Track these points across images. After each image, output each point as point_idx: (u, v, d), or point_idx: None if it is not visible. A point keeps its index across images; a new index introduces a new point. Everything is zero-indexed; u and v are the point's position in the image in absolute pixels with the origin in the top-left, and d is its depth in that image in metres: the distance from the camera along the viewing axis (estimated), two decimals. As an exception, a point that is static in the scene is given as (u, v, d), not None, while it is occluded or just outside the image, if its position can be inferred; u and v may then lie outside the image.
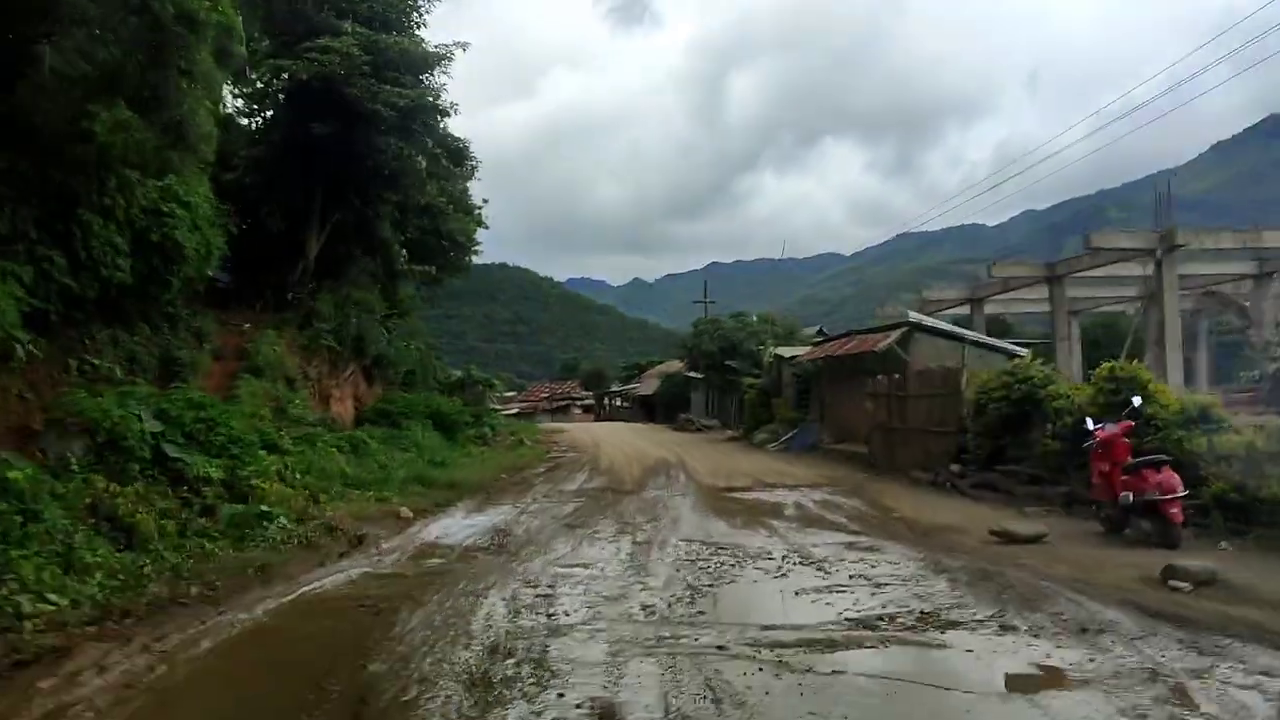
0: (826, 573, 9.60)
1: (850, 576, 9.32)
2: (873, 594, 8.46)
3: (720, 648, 6.57)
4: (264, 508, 11.98)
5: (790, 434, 29.30)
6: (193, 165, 16.39)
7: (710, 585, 9.08)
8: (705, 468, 23.08)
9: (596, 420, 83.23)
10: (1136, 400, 11.28)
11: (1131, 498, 10.14)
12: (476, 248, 38.33)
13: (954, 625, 7.13)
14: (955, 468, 16.49)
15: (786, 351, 34.25)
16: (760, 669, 6.06)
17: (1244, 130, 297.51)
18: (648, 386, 70.16)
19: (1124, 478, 10.45)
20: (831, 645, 6.64)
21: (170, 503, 11.65)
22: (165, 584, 8.46)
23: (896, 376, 20.85)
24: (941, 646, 6.60)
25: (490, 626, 7.36)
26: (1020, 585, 8.44)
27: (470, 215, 36.55)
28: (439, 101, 22.65)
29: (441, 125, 24.00)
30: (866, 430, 22.65)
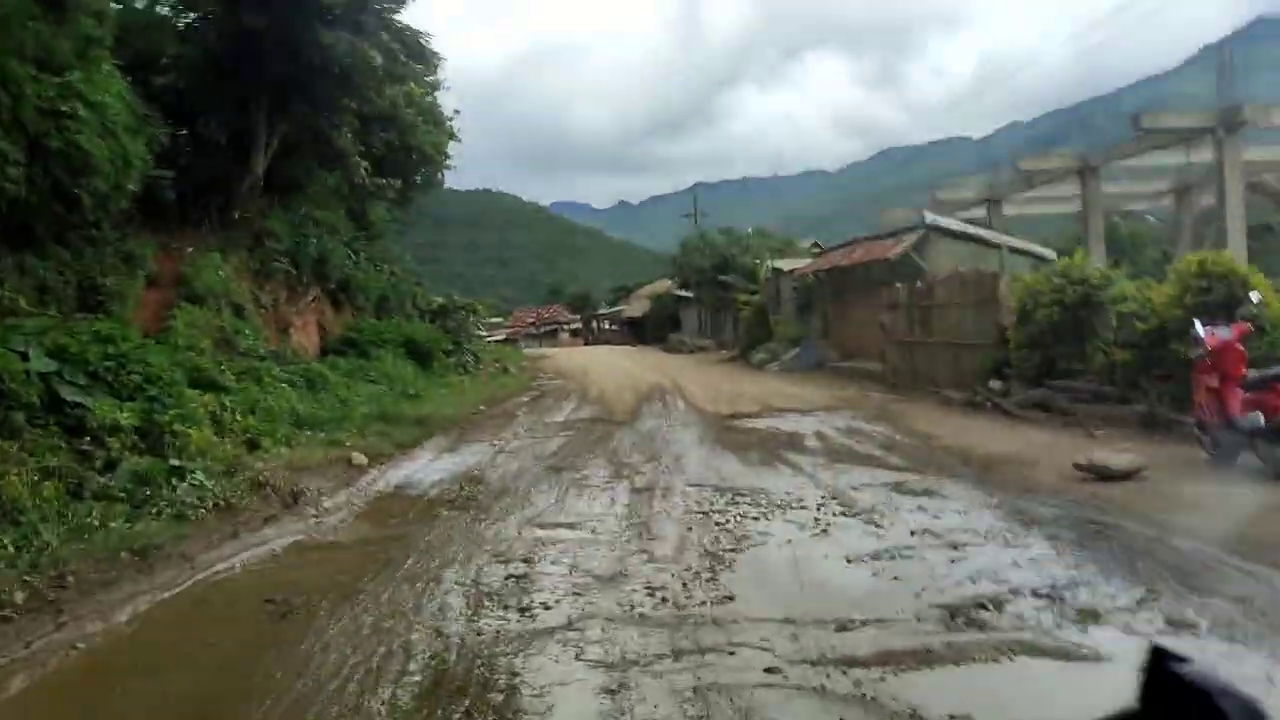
0: (879, 527, 7.53)
1: (912, 533, 7.24)
2: (952, 560, 6.38)
3: (770, 670, 4.47)
4: (176, 461, 9.81)
5: (792, 352, 27.20)
6: (98, 59, 13.95)
7: (733, 550, 7.01)
8: (704, 392, 20.97)
9: (585, 344, 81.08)
10: (1255, 296, 9.14)
11: (1263, 419, 7.99)
12: (449, 162, 35.74)
13: (1093, 617, 5.02)
14: (996, 384, 14.39)
15: (785, 265, 31.95)
16: None
17: (1232, 33, 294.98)
18: (636, 308, 67.86)
19: (1246, 395, 8.31)
20: (929, 659, 4.54)
21: (62, 459, 9.50)
22: (6, 580, 6.29)
23: (918, 285, 18.64)
24: (1096, 659, 4.48)
25: (439, 636, 5.24)
26: (1153, 547, 6.34)
27: (440, 127, 33.88)
28: (392, -14, 19.90)
29: (398, 17, 21.21)
30: (882, 345, 20.52)
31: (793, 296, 30.60)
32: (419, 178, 35.18)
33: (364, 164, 24.11)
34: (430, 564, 6.94)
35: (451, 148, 36.09)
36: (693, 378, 25.84)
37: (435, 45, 28.56)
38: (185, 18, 20.55)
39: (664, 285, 64.96)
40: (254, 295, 20.08)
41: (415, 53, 22.10)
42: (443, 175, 36.21)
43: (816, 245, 41.14)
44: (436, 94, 34.99)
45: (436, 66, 34.52)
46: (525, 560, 6.90)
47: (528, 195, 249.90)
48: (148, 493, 8.95)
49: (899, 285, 19.47)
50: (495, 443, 13.97)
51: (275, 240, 21.33)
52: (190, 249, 19.24)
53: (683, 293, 48.28)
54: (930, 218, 21.36)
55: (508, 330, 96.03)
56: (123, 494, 9.01)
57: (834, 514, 8.05)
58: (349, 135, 23.48)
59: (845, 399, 17.83)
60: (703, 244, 41.42)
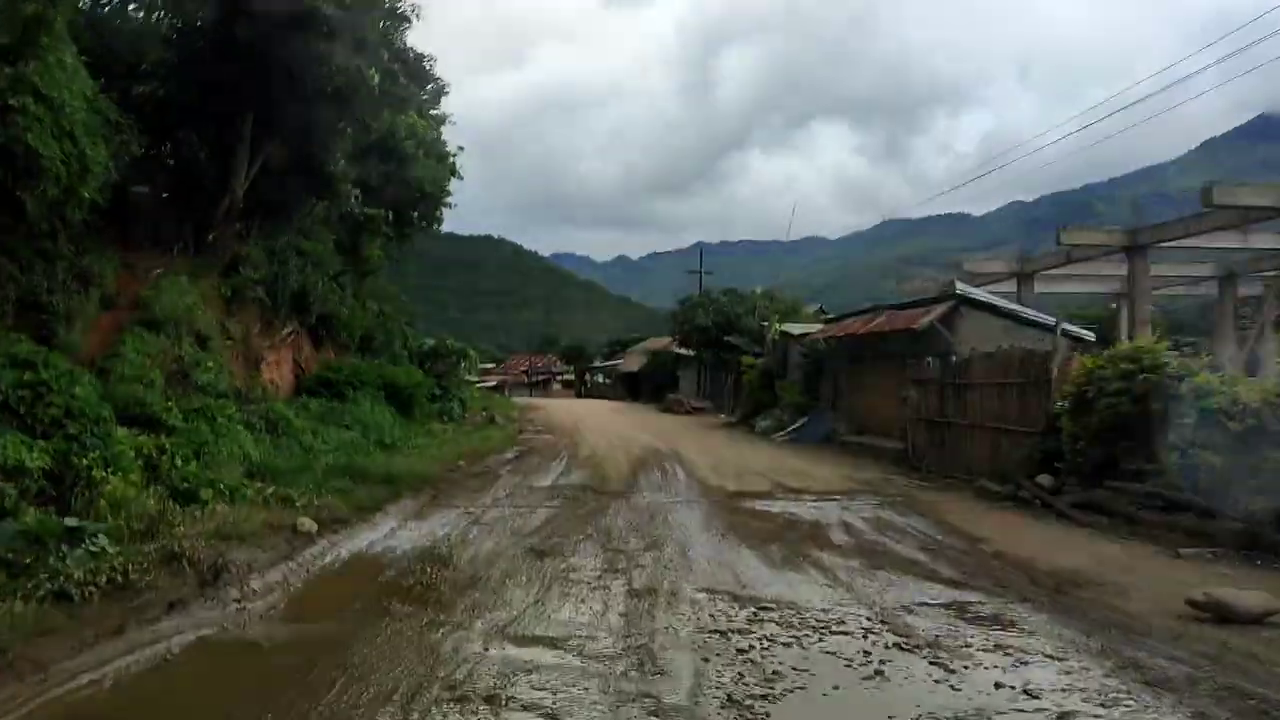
0: (949, 671, 5.80)
1: (998, 686, 5.52)
2: (1073, 746, 4.63)
3: None
4: (74, 522, 8.03)
5: (799, 422, 25.52)
6: (53, 49, 12.42)
7: (764, 698, 5.28)
8: (706, 461, 19.26)
9: (577, 397, 79.33)
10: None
11: None
12: (449, 200, 34.35)
13: None
14: (1045, 479, 12.65)
15: (795, 328, 30.39)
16: None
17: (1233, 130, 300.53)
18: (632, 363, 66.28)
19: None
20: None
21: (-57, 509, 7.83)
22: None
23: (951, 359, 16.99)
24: None
25: None
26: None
27: (442, 162, 32.56)
28: (396, 2, 18.50)
29: (399, 35, 19.77)
30: (904, 422, 18.85)
31: (801, 362, 29.01)
32: (417, 213, 33.78)
33: (355, 193, 22.61)
34: (361, 695, 5.18)
35: (454, 187, 34.80)
36: (692, 443, 24.14)
37: (440, 72, 27.36)
38: (172, 22, 19.11)
39: (662, 342, 63.45)
40: (222, 325, 18.41)
41: (417, 76, 20.56)
42: (441, 213, 34.75)
43: (822, 311, 39.74)
44: (441, 128, 33.81)
45: (440, 96, 33.48)
46: (488, 700, 5.13)
47: (528, 244, 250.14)
48: (29, 561, 7.19)
49: (930, 359, 17.85)
50: (471, 510, 12.20)
51: (251, 267, 19.73)
52: (157, 270, 17.66)
53: (682, 351, 46.73)
54: (962, 288, 19.84)
55: (499, 377, 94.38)
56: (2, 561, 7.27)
57: (887, 645, 6.31)
58: (341, 161, 21.99)
59: (865, 482, 16.10)
60: (706, 302, 39.96)
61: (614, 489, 14.63)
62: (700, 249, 50.01)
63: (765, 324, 33.32)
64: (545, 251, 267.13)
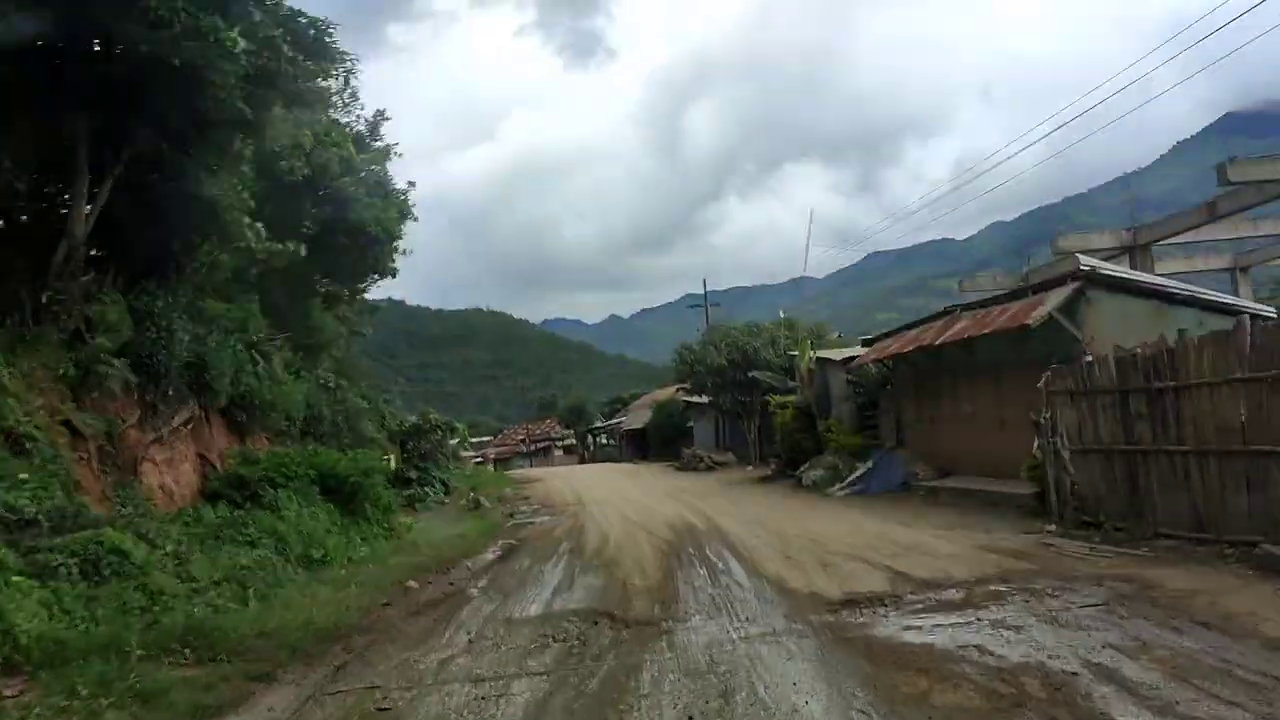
0: None
1: None
2: None
3: None
4: None
5: (861, 469, 19.92)
6: None
7: None
8: (764, 539, 13.71)
9: (580, 462, 73.48)
10: None
11: None
12: (400, 245, 29.15)
13: None
14: None
15: (836, 354, 24.93)
16: None
17: (1203, 129, 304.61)
18: (637, 419, 60.64)
19: None
20: None
21: None
22: None
23: (1135, 353, 11.37)
24: None
25: None
26: None
27: (389, 200, 27.38)
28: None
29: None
30: (1027, 456, 13.25)
31: (848, 394, 23.55)
32: (371, 260, 28.44)
33: (257, 227, 17.23)
34: None
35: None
36: (733, 510, 18.55)
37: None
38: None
39: (667, 392, 57.95)
40: (57, 416, 12.91)
41: (315, 53, 15.24)
42: (394, 262, 29.50)
43: (838, 335, 34.39)
44: (386, 164, 28.73)
45: (380, 126, 28.44)
46: None
47: (519, 313, 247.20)
48: None
49: (1088, 360, 12.28)
50: (388, 700, 6.62)
51: (109, 334, 14.28)
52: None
53: (693, 398, 41.15)
54: (1087, 262, 14.46)
55: (496, 449, 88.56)
56: None
57: None
58: (238, 188, 16.73)
59: (1018, 554, 10.52)
60: (718, 338, 34.51)
61: (642, 613, 9.01)
62: (704, 281, 44.72)
63: (794, 354, 27.85)
64: (536, 319, 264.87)
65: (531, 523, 20.42)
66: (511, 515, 22.82)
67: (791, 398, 27.32)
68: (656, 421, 51.37)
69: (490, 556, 14.74)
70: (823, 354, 25.41)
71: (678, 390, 57.71)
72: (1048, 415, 12.67)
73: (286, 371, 23.21)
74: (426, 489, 26.60)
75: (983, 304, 17.11)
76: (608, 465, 53.52)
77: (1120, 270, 14.49)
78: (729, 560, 11.98)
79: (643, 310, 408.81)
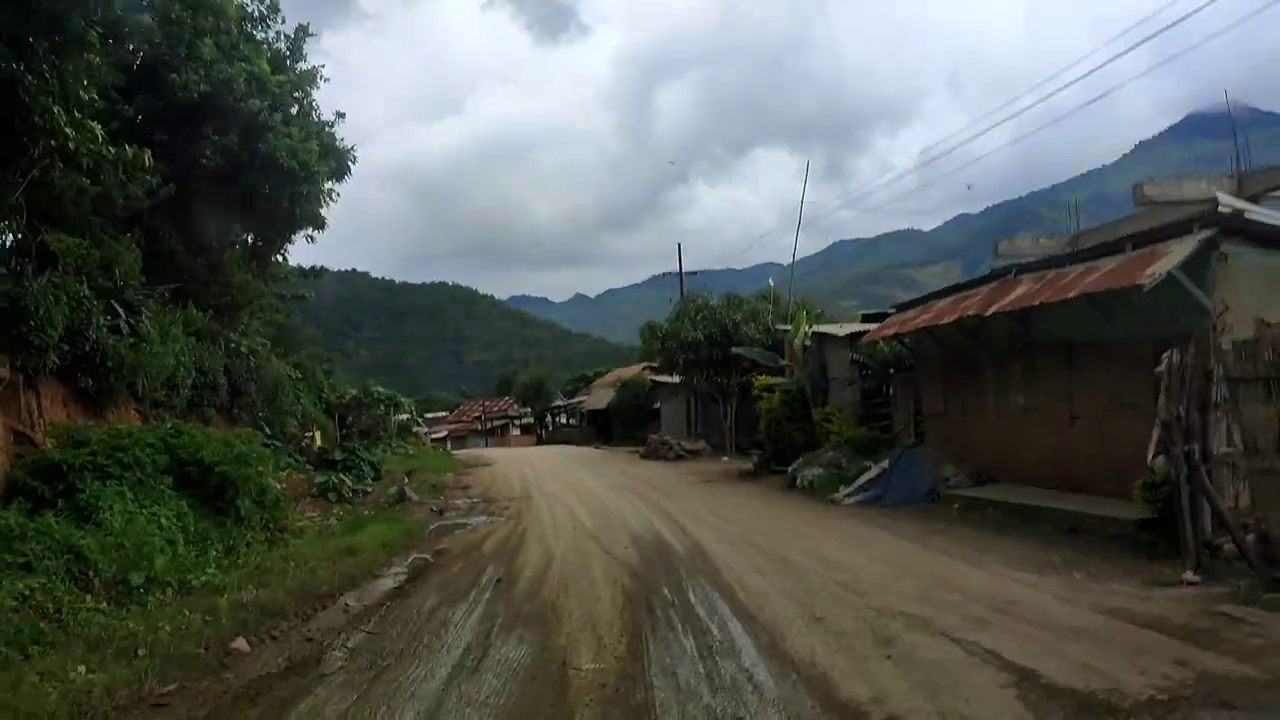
0: None
1: None
2: None
3: None
4: None
5: (875, 471, 15.95)
6: None
7: None
8: (771, 579, 9.72)
9: (537, 443, 69.33)
10: None
11: None
12: (330, 190, 24.79)
13: None
14: None
15: (838, 329, 20.98)
16: None
17: (1167, 129, 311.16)
18: (599, 398, 56.53)
19: None
20: None
21: None
22: None
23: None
24: None
25: None
26: None
27: (307, 131, 22.96)
28: None
29: None
30: (1163, 470, 9.31)
31: (853, 378, 19.64)
32: (290, 204, 23.97)
33: (94, 129, 12.84)
34: None
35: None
36: (713, 519, 14.52)
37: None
38: None
39: (632, 370, 53.96)
40: None
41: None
42: (323, 206, 25.07)
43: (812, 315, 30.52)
44: (311, 90, 24.30)
45: (303, 43, 23.97)
46: None
47: (485, 289, 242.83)
48: None
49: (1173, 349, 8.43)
50: None
51: None
52: None
53: (662, 378, 37.15)
54: (1227, 201, 10.60)
55: (450, 426, 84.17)
56: None
57: None
58: (53, 69, 12.40)
59: (1185, 632, 6.64)
60: (693, 310, 30.43)
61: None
62: (678, 247, 40.50)
63: (784, 329, 23.85)
64: (502, 295, 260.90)
65: (461, 525, 16.31)
66: (440, 513, 18.71)
67: (779, 380, 23.36)
68: (620, 402, 47.32)
69: (387, 585, 10.64)
70: (821, 329, 21.45)
71: (644, 369, 53.78)
72: (1177, 410, 8.77)
73: (179, 330, 18.99)
74: (345, 476, 22.40)
75: (1049, 264, 13.18)
76: (566, 448, 49.37)
77: (1274, 214, 10.63)
78: (727, 620, 7.95)
79: (609, 290, 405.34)
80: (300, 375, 37.92)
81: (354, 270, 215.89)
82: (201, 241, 24.13)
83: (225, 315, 27.10)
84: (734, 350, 26.90)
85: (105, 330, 14.96)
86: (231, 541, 12.64)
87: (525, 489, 22.92)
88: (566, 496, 20.13)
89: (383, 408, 47.84)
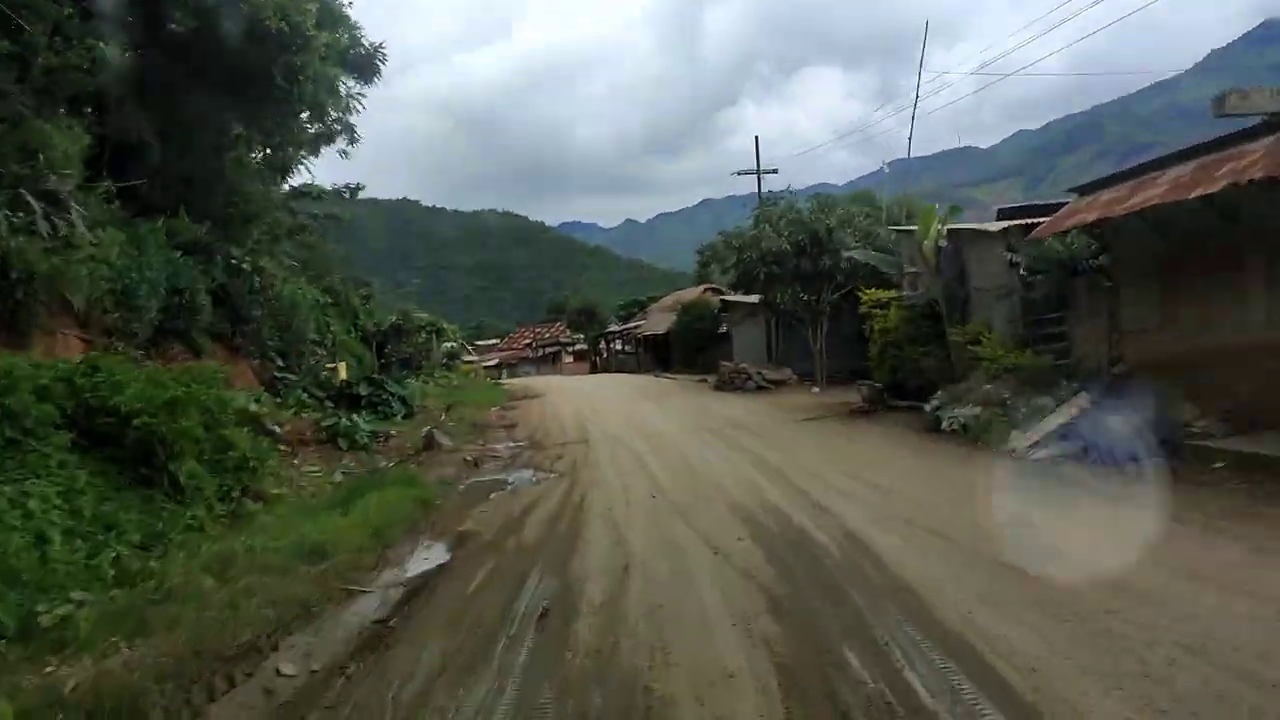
0: None
1: None
2: None
3: None
4: None
5: (1070, 414, 11.39)
6: None
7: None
8: (1082, 645, 5.30)
9: (591, 371, 65.36)
10: None
11: None
12: (357, 91, 20.57)
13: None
14: None
15: (988, 226, 16.22)
16: None
17: (1239, 37, 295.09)
18: (656, 323, 52.11)
19: None
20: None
21: None
22: None
23: None
24: None
25: None
26: None
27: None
28: None
29: None
30: None
31: (1012, 286, 14.98)
32: (288, 84, 19.69)
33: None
34: None
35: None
36: (862, 492, 9.94)
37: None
38: None
39: (694, 293, 49.39)
40: None
41: None
42: (335, 99, 20.85)
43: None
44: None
45: None
46: None
47: (534, 216, 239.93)
48: None
49: None
50: None
51: None
52: None
53: (736, 297, 32.54)
54: None
55: (501, 354, 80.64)
56: None
57: None
58: None
59: None
60: (776, 215, 25.66)
61: None
62: (755, 140, 35.38)
63: (905, 229, 19.08)
64: (552, 222, 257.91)
65: (499, 485, 12.17)
66: (475, 464, 14.62)
67: (895, 294, 18.73)
68: (681, 326, 42.80)
69: (361, 620, 6.48)
70: (962, 226, 16.65)
71: (706, 290, 49.17)
72: None
73: (123, 235, 14.91)
74: (363, 417, 18.43)
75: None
76: (623, 377, 45.17)
77: None
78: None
79: (660, 215, 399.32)
80: (331, 300, 34.03)
81: (404, 199, 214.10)
82: (188, 133, 20.10)
83: (228, 228, 23.16)
84: (847, 253, 22.13)
85: (8, 227, 10.98)
86: (161, 526, 8.65)
87: (581, 429, 18.78)
88: (633, 441, 15.91)
89: (424, 335, 44.00)
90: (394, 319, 43.70)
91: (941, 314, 16.21)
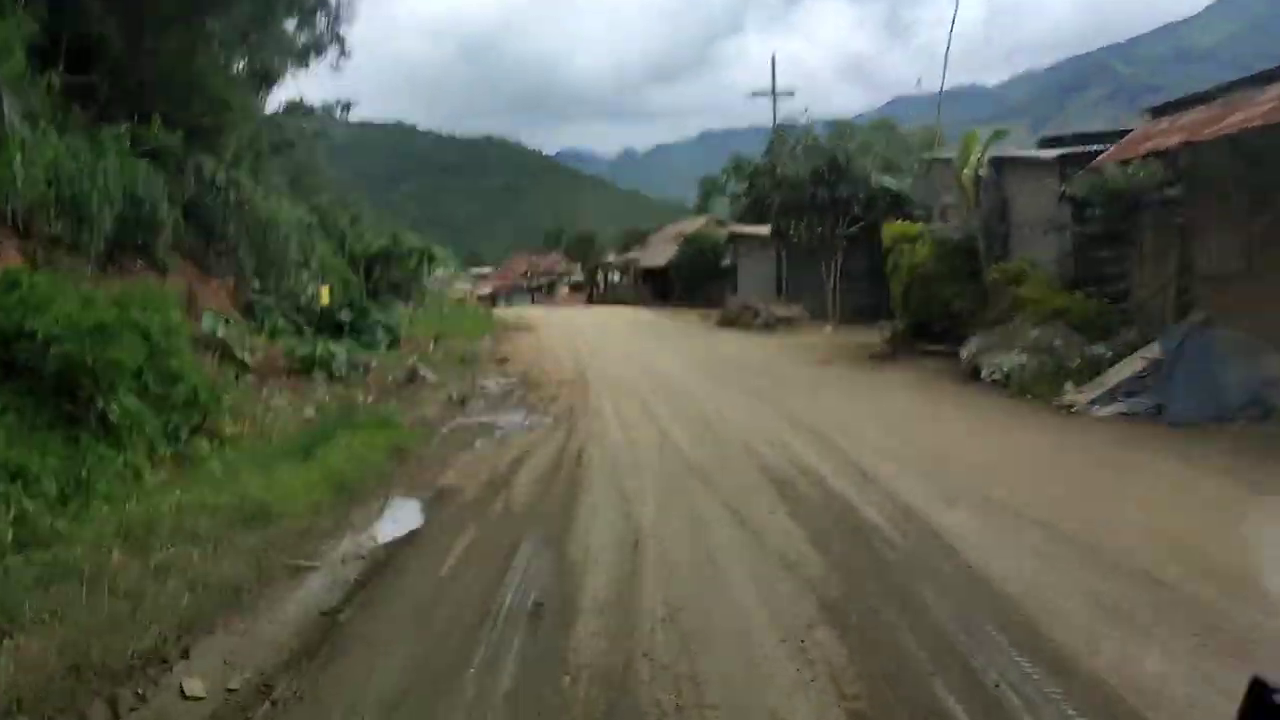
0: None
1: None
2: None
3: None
4: None
5: (1139, 365, 10.02)
6: None
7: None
8: None
9: (588, 302, 63.76)
10: None
11: None
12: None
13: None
14: None
15: (1042, 153, 14.57)
16: None
17: None
18: (656, 254, 50.44)
19: None
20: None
21: None
22: None
23: None
24: None
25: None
26: None
27: None
28: None
29: None
30: None
31: (1062, 221, 13.49)
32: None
33: None
34: None
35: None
36: (910, 454, 8.57)
37: None
38: None
39: (697, 224, 47.73)
40: None
41: None
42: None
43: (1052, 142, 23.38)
44: None
45: None
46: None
47: (531, 143, 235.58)
48: None
49: None
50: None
51: None
52: None
53: (745, 229, 30.86)
54: None
55: (495, 283, 78.95)
56: None
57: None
58: None
59: None
60: (790, 141, 23.93)
61: None
62: (772, 59, 33.29)
63: (940, 157, 17.43)
64: (550, 149, 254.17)
65: (487, 429, 10.81)
66: (462, 403, 13.27)
67: (917, 227, 17.21)
68: (683, 258, 41.19)
69: (302, 608, 5.14)
70: (1006, 154, 15.01)
71: (708, 221, 47.50)
72: None
73: (122, 153, 13.41)
74: (342, 346, 17.01)
75: None
76: (621, 310, 43.56)
77: None
78: None
79: (658, 146, 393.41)
80: (318, 221, 32.29)
81: (401, 124, 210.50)
82: (156, 29, 18.39)
83: (204, 139, 21.51)
84: (878, 177, 20.49)
85: None
86: (84, 474, 7.28)
87: (579, 367, 17.42)
88: (637, 382, 14.56)
89: (415, 259, 42.37)
90: (383, 243, 42.06)
91: (978, 250, 14.73)
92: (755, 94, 32.07)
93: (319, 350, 14.88)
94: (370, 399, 13.36)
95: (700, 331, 24.45)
